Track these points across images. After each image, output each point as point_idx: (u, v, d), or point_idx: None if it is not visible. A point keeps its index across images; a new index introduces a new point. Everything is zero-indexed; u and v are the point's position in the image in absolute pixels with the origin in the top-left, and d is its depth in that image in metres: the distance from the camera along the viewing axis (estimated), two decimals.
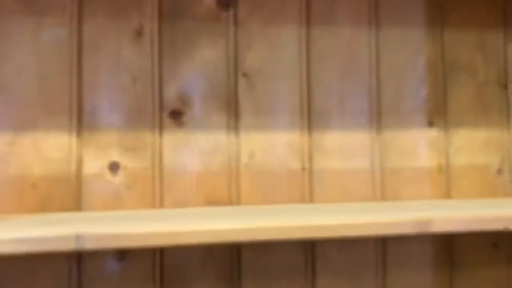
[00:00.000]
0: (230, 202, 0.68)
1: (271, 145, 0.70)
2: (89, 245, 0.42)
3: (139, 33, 0.68)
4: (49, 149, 0.64)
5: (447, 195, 0.74)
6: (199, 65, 0.69)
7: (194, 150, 0.67)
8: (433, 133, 0.74)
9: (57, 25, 0.65)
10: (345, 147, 0.72)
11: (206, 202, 0.67)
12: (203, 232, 0.46)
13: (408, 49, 0.74)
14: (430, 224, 0.49)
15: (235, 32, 0.70)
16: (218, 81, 0.69)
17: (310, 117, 0.71)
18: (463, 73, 0.76)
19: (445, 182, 0.74)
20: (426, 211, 0.56)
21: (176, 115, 0.68)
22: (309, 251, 0.69)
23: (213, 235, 0.47)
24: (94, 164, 0.65)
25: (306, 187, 0.70)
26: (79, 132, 0.65)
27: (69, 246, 0.42)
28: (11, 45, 0.64)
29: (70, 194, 0.64)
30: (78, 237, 0.42)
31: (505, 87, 0.77)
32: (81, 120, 0.65)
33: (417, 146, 0.74)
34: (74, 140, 0.65)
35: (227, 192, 0.68)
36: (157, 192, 0.66)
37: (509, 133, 0.76)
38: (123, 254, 0.64)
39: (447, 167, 0.74)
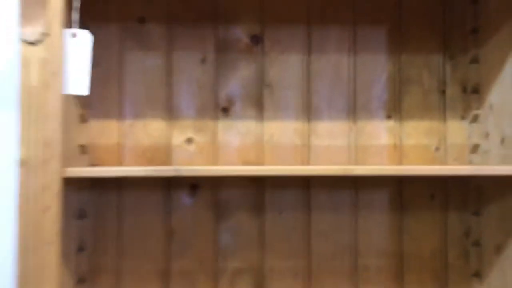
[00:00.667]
0: (257, 164, 1.11)
1: (283, 130, 1.12)
2: (182, 173, 0.87)
3: (203, 60, 1.12)
4: (152, 130, 1.10)
5: (399, 164, 1.13)
6: (239, 79, 1.12)
7: (235, 132, 1.11)
8: (390, 123, 1.14)
9: (156, 55, 1.11)
10: (331, 131, 1.13)
11: (242, 163, 1.11)
12: (242, 170, 0.90)
13: (375, 68, 1.14)
14: (354, 171, 0.90)
15: (261, 59, 1.13)
16: (250, 89, 1.12)
17: (309, 112, 1.13)
18: (413, 83, 1.15)
19: (398, 156, 1.14)
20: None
21: (225, 110, 1.12)
22: (306, 193, 1.12)
23: (248, 171, 0.90)
24: (178, 139, 1.10)
25: (305, 156, 1.12)
26: (170, 120, 1.10)
27: (172, 173, 0.87)
28: (128, 68, 1.11)
29: (164, 157, 1.10)
30: (176, 170, 0.87)
31: (443, 92, 1.15)
32: (170, 113, 1.11)
33: (380, 131, 1.14)
34: (166, 124, 1.11)
35: (255, 158, 1.12)
36: (213, 156, 1.11)
37: (444, 123, 1.14)
38: (194, 191, 1.10)
39: (400, 146, 1.14)
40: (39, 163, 0.82)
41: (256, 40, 1.13)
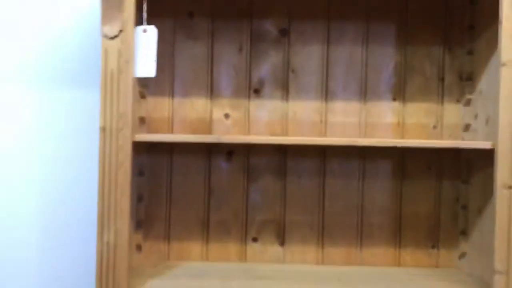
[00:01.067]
0: (281, 135, 1.35)
1: (305, 108, 1.35)
2: (221, 140, 1.12)
3: (240, 49, 1.36)
4: (197, 106, 1.35)
5: (402, 138, 1.35)
6: (269, 66, 1.35)
7: (265, 109, 1.35)
8: (395, 104, 1.35)
9: (201, 45, 1.35)
10: (344, 110, 1.35)
11: (269, 134, 1.35)
12: (269, 139, 1.14)
13: (384, 58, 1.35)
14: (360, 142, 1.13)
15: (288, 49, 1.35)
16: (278, 74, 1.35)
17: (327, 94, 1.35)
18: (416, 71, 1.35)
19: (401, 132, 1.35)
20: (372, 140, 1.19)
21: (257, 91, 1.35)
22: (322, 162, 1.35)
23: (274, 141, 1.15)
24: (217, 114, 1.35)
25: (322, 131, 1.35)
26: (211, 98, 1.35)
27: (213, 140, 1.12)
28: (178, 55, 1.35)
29: (206, 128, 1.35)
30: (216, 138, 1.12)
31: (442, 79, 1.35)
32: (212, 92, 1.35)
33: (386, 111, 1.35)
34: (208, 102, 1.35)
35: (280, 131, 1.35)
36: (246, 128, 1.35)
37: (442, 106, 1.35)
38: (230, 156, 1.35)
39: (402, 124, 1.35)
40: (115, 130, 1.09)
41: (284, 32, 1.35)
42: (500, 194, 1.07)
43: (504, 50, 1.07)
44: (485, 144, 1.12)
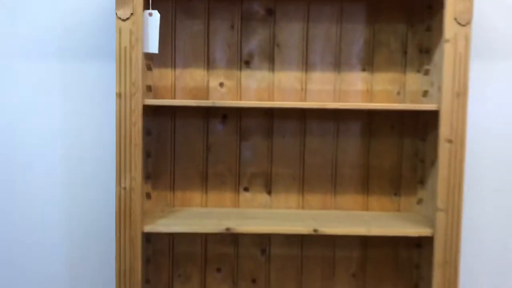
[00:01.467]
0: (268, 100, 1.59)
1: (288, 78, 1.59)
2: (216, 105, 1.36)
3: (232, 27, 1.58)
4: (195, 76, 1.58)
5: (370, 103, 1.59)
6: (257, 41, 1.58)
7: (254, 78, 1.58)
8: (364, 74, 1.58)
9: (198, 23, 1.57)
10: (322, 79, 1.59)
11: (258, 100, 1.59)
12: (257, 103, 1.38)
13: (355, 34, 1.57)
14: (330, 105, 1.37)
15: (273, 26, 1.58)
16: (265, 48, 1.58)
17: (307, 65, 1.59)
18: (382, 45, 1.58)
19: (369, 98, 1.59)
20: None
21: (247, 63, 1.59)
22: (302, 123, 1.59)
23: (262, 104, 1.38)
24: (213, 83, 1.59)
25: (303, 96, 1.59)
26: (208, 69, 1.58)
27: (210, 105, 1.36)
28: (180, 33, 1.57)
29: (204, 95, 1.59)
30: (213, 103, 1.36)
31: (405, 53, 1.58)
32: (208, 64, 1.58)
33: (357, 80, 1.58)
34: (205, 72, 1.58)
35: (267, 97, 1.59)
36: (239, 95, 1.59)
37: (405, 75, 1.58)
38: (224, 119, 1.59)
39: (371, 90, 1.59)
40: (128, 96, 1.32)
41: (270, 12, 1.58)
42: (443, 147, 1.32)
43: (447, 29, 1.29)
44: (432, 107, 1.36)
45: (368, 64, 1.58)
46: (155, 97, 1.57)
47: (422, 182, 1.58)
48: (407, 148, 1.60)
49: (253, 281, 1.63)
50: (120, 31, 1.31)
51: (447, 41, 1.30)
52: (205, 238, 1.62)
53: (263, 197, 1.62)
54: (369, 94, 1.59)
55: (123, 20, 1.30)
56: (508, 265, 1.63)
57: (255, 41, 1.58)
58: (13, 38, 1.59)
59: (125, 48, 1.31)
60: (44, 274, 1.64)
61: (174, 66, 1.58)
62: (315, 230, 1.38)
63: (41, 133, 1.61)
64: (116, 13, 1.30)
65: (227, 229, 1.39)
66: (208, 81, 1.59)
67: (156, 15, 1.33)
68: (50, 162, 1.61)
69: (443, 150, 1.33)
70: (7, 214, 1.62)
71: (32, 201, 1.62)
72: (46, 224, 1.62)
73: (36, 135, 1.61)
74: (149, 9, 1.35)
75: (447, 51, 1.30)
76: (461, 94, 1.31)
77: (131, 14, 1.30)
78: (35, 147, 1.61)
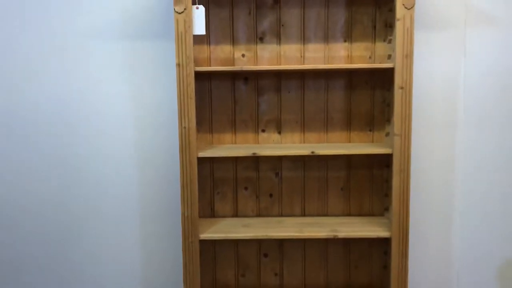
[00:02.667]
0: (277, 65, 2.21)
1: (290, 49, 2.21)
2: (242, 69, 1.99)
3: (249, 13, 2.20)
4: (225, 50, 2.21)
5: (350, 64, 2.22)
6: (268, 22, 2.20)
7: (266, 50, 2.21)
8: (346, 44, 2.21)
9: (224, 11, 2.19)
10: (315, 49, 2.21)
11: (270, 65, 2.22)
12: (270, 68, 2.02)
13: (339, 15, 2.19)
14: (319, 67, 2.00)
15: (279, 11, 2.19)
16: (273, 27, 2.20)
17: (304, 39, 2.21)
18: (358, 23, 2.20)
19: (350, 61, 2.22)
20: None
21: (261, 39, 2.21)
22: (302, 81, 2.23)
23: (273, 68, 2.02)
24: (237, 54, 2.21)
25: (301, 62, 2.22)
26: (233, 44, 2.20)
27: (237, 69, 1.99)
28: (212, 19, 2.18)
29: (231, 63, 2.21)
30: (240, 68, 1.99)
31: (374, 28, 2.20)
32: (233, 40, 2.20)
33: (340, 48, 2.21)
34: (231, 47, 2.21)
35: (276, 63, 2.22)
36: (256, 61, 2.21)
37: (374, 44, 2.20)
38: (246, 81, 2.23)
39: (350, 56, 2.22)
40: (184, 65, 1.95)
41: (276, 1, 2.19)
42: (397, 92, 1.96)
43: (398, 11, 1.92)
44: (390, 65, 1.99)
45: (348, 37, 2.21)
46: (196, 66, 2.20)
47: (388, 120, 2.22)
48: (377, 96, 2.24)
49: (270, 195, 2.30)
50: (177, 21, 1.93)
51: (398, 19, 1.93)
52: (235, 165, 2.27)
53: (275, 136, 2.27)
54: (349, 59, 2.22)
55: (179, 13, 1.92)
56: (448, 171, 2.29)
57: (266, 22, 2.20)
58: (96, 21, 2.21)
59: (181, 32, 1.93)
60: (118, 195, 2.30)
61: (209, 43, 2.20)
62: (312, 152, 2.04)
63: (114, 97, 2.24)
64: (174, 8, 1.92)
65: (253, 153, 2.04)
66: (233, 53, 2.21)
67: (201, 8, 1.95)
68: (122, 115, 2.25)
69: (397, 94, 1.97)
70: (90, 149, 2.27)
71: (108, 140, 2.27)
72: (121, 157, 2.28)
73: (110, 98, 2.24)
74: (196, 4, 1.96)
75: (398, 27, 1.93)
76: (408, 55, 1.94)
77: (184, 9, 1.92)
78: (110, 106, 2.25)
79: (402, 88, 1.97)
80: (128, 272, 2.36)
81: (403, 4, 1.92)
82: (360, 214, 2.30)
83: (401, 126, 1.99)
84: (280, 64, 2.22)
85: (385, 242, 2.25)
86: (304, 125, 2.26)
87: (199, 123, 2.24)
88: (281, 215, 2.31)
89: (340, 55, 2.22)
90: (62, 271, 2.36)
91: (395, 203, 2.02)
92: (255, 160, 2.27)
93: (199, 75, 2.20)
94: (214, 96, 2.24)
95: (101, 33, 2.22)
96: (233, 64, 2.22)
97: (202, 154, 2.04)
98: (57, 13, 2.21)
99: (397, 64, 1.96)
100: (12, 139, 2.28)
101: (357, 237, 2.11)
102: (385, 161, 2.25)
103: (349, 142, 2.27)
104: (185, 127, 1.99)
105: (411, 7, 1.91)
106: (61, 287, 2.37)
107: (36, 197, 2.31)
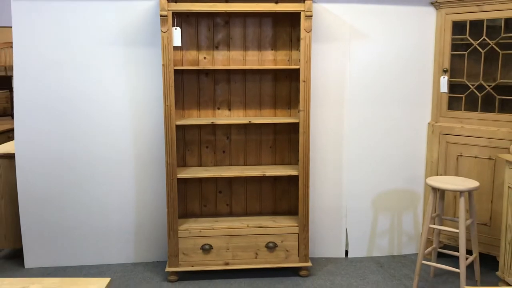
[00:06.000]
0: (227, 65, 3.35)
1: (236, 54, 3.35)
2: (203, 67, 3.12)
3: (209, 29, 3.32)
4: (192, 54, 3.32)
5: (275, 66, 3.38)
6: (221, 36, 3.33)
7: (220, 55, 3.34)
8: (273, 52, 3.37)
9: (192, 28, 3.30)
10: (252, 55, 3.36)
11: (222, 65, 3.35)
12: (222, 67, 3.16)
13: (267, 32, 3.35)
14: (259, 67, 3.16)
15: (229, 29, 3.33)
16: (225, 39, 3.34)
17: (245, 48, 3.36)
18: (280, 38, 3.36)
19: (275, 63, 3.39)
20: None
21: (217, 47, 3.34)
22: (244, 76, 3.38)
23: (225, 67, 3.16)
24: (200, 57, 3.33)
25: (244, 63, 3.37)
26: (198, 50, 3.33)
27: (200, 68, 3.13)
28: (183, 33, 3.29)
29: (196, 63, 3.34)
30: (202, 68, 3.13)
31: (291, 40, 3.37)
32: (198, 47, 3.32)
33: (268, 55, 3.37)
34: (197, 52, 3.33)
35: (227, 64, 3.36)
36: (213, 63, 3.34)
37: (291, 51, 3.37)
38: (207, 75, 3.36)
39: (275, 59, 3.38)
40: (167, 65, 3.07)
41: (227, 22, 3.32)
42: (301, 84, 3.15)
43: (302, 33, 3.09)
44: (297, 66, 3.18)
45: (274, 46, 3.37)
46: (175, 66, 3.31)
47: (298, 102, 3.41)
48: (294, 86, 3.42)
49: (223, 151, 3.45)
50: (162, 37, 3.03)
51: (302, 39, 3.10)
52: (200, 131, 3.41)
53: (226, 112, 3.42)
54: (275, 61, 3.39)
55: (164, 32, 3.02)
56: (337, 133, 3.52)
57: (220, 36, 3.33)
58: (100, 32, 3.28)
59: (165, 44, 3.04)
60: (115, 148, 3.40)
61: (182, 50, 3.31)
62: (249, 122, 3.21)
63: (115, 92, 3.33)
64: (161, 29, 3.02)
65: (212, 122, 3.19)
66: (198, 57, 3.34)
67: (178, 29, 3.06)
68: (121, 105, 3.34)
69: (301, 85, 3.15)
70: (100, 123, 3.35)
71: (111, 115, 3.36)
72: (121, 126, 3.37)
73: (112, 93, 3.33)
74: (174, 26, 3.07)
75: (301, 43, 3.10)
76: (308, 61, 3.12)
77: (167, 29, 3.02)
78: (111, 99, 3.33)
79: (304, 81, 3.15)
80: (128, 201, 3.46)
81: (304, 29, 3.09)
82: (282, 163, 3.49)
83: (304, 105, 3.18)
84: (229, 65, 3.36)
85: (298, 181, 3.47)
86: (245, 105, 3.42)
87: (176, 103, 3.35)
88: (231, 165, 3.47)
89: (269, 59, 3.38)
90: (81, 200, 3.44)
91: (300, 154, 3.22)
92: (213, 128, 3.42)
93: (176, 72, 3.31)
94: (185, 85, 3.36)
95: (109, 42, 3.29)
96: (198, 64, 3.34)
97: (178, 123, 3.17)
98: (74, 27, 3.26)
99: (301, 66, 3.14)
100: (52, 110, 3.33)
101: (277, 175, 3.32)
102: (298, 128, 3.45)
103: (275, 116, 3.45)
104: (167, 105, 3.10)
105: (309, 31, 3.09)
106: (80, 212, 3.45)
107: (68, 151, 3.38)
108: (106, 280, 1.65)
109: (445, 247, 3.46)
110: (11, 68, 7.50)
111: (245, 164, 3.48)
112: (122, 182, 3.44)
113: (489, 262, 3.35)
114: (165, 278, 3.29)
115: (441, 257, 3.43)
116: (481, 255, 3.32)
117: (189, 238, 3.22)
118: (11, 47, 7.40)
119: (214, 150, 3.45)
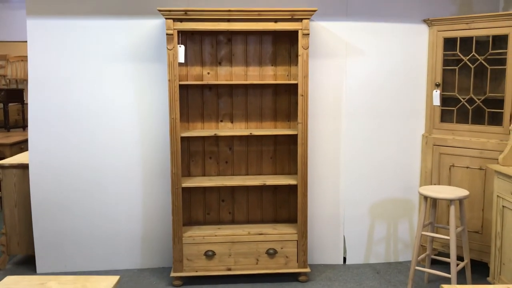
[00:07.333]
0: (230, 80, 3.54)
1: (239, 70, 3.54)
2: (207, 82, 3.31)
3: (212, 46, 3.51)
4: (196, 69, 3.51)
5: (275, 81, 3.56)
6: (224, 52, 3.52)
7: (223, 70, 3.53)
8: (273, 67, 3.55)
9: (196, 46, 3.49)
10: (254, 70, 3.55)
11: (225, 80, 3.54)
12: (225, 82, 3.34)
13: (268, 49, 3.53)
14: (260, 82, 3.35)
15: (231, 46, 3.52)
16: (228, 56, 3.53)
17: (247, 64, 3.54)
18: (280, 54, 3.55)
19: (275, 78, 3.57)
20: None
21: (220, 63, 3.53)
22: (246, 90, 3.56)
23: (228, 82, 3.35)
24: (204, 72, 3.52)
25: (245, 78, 3.55)
26: (202, 66, 3.51)
27: (204, 83, 3.31)
28: (188, 51, 3.48)
29: (200, 78, 3.52)
30: (206, 83, 3.31)
31: (290, 57, 3.55)
32: (202, 63, 3.51)
33: (269, 70, 3.55)
34: (201, 67, 3.51)
35: (230, 78, 3.54)
36: (216, 78, 3.53)
37: (290, 67, 3.56)
38: (210, 89, 3.54)
39: (275, 75, 3.56)
40: (173, 80, 3.25)
41: (229, 40, 3.51)
42: (300, 98, 3.32)
43: (300, 50, 3.28)
44: (295, 81, 3.35)
45: (274, 62, 3.56)
46: (180, 81, 3.50)
47: (297, 114, 3.58)
48: (293, 100, 3.60)
49: (226, 162, 3.62)
50: (168, 54, 3.22)
51: (299, 55, 3.28)
52: (203, 142, 3.59)
53: (229, 124, 3.59)
54: (275, 77, 3.57)
55: (170, 49, 3.21)
56: (335, 145, 3.68)
57: (223, 53, 3.52)
58: (110, 49, 3.48)
59: (171, 61, 3.23)
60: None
61: (187, 65, 3.50)
62: (250, 133, 3.38)
63: (124, 105, 3.52)
64: (167, 47, 3.21)
65: (215, 134, 3.37)
66: (202, 72, 3.52)
67: (182, 47, 3.25)
68: (129, 118, 3.53)
69: (299, 99, 3.32)
70: (110, 134, 3.54)
71: (121, 128, 3.54)
72: (129, 139, 3.55)
73: (121, 106, 3.52)
74: (179, 43, 3.26)
75: (299, 60, 3.28)
76: (305, 76, 3.29)
77: (173, 47, 3.21)
78: (119, 112, 3.52)
79: (302, 95, 3.33)
80: (135, 209, 3.63)
81: (302, 46, 3.27)
82: (282, 173, 3.66)
83: (302, 117, 3.34)
84: (232, 80, 3.55)
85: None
86: (247, 117, 3.60)
87: (181, 116, 3.53)
88: (233, 175, 3.64)
89: (269, 74, 3.56)
90: (91, 209, 3.61)
91: (299, 164, 3.38)
92: (216, 139, 3.59)
93: (181, 86, 3.50)
94: (190, 99, 3.55)
95: (118, 58, 3.49)
96: (202, 79, 3.53)
97: (183, 134, 3.34)
98: (85, 43, 3.46)
99: (299, 81, 3.32)
100: (65, 123, 3.52)
101: (277, 185, 3.48)
102: (297, 140, 3.61)
103: (275, 128, 3.62)
104: (173, 118, 3.28)
105: (307, 48, 3.27)
106: (89, 220, 3.62)
107: (78, 162, 3.56)
108: (116, 277, 1.82)
109: (439, 254, 3.60)
110: (22, 81, 7.77)
111: (247, 174, 3.65)
112: (129, 192, 3.61)
113: (481, 269, 3.48)
114: (170, 283, 3.44)
115: (435, 263, 3.56)
116: (474, 261, 3.45)
117: (193, 245, 3.37)
118: (23, 60, 7.69)
119: (217, 160, 3.62)
